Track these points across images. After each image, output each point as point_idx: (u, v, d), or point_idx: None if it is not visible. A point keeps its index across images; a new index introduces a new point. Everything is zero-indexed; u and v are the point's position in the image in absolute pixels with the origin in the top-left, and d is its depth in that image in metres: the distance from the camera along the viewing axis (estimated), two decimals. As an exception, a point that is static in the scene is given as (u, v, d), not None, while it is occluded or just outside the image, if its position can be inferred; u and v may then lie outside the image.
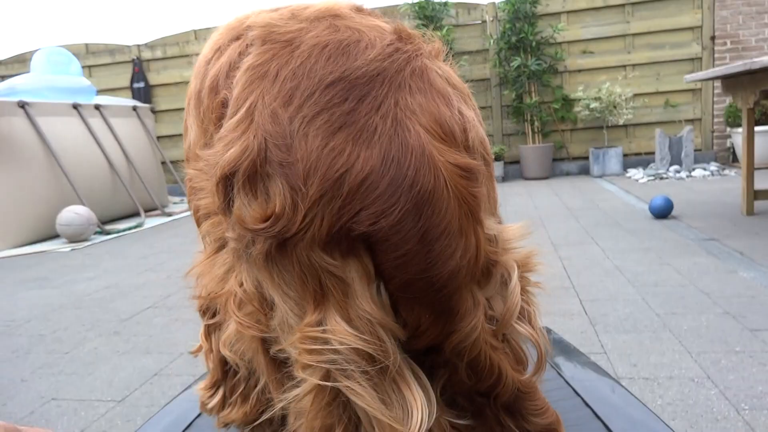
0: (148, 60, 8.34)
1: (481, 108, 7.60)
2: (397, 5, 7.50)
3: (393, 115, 0.42)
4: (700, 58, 7.02)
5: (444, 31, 7.11)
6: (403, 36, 0.48)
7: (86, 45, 8.55)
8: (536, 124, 7.27)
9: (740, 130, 6.40)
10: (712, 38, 7.01)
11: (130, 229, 5.50)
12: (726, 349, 1.92)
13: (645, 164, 7.04)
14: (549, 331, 1.25)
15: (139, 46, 8.37)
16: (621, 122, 6.88)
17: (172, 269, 3.72)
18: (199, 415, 0.87)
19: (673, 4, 7.04)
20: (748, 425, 1.49)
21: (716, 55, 6.97)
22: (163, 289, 3.22)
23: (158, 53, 8.31)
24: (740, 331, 2.05)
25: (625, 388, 0.92)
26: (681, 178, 6.10)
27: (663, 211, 4.05)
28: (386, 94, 0.42)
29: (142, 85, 8.27)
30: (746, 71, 3.59)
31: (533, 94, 7.18)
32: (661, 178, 6.18)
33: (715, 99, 7.09)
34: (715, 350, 1.93)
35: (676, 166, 6.38)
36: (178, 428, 0.84)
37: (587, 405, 0.84)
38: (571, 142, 7.42)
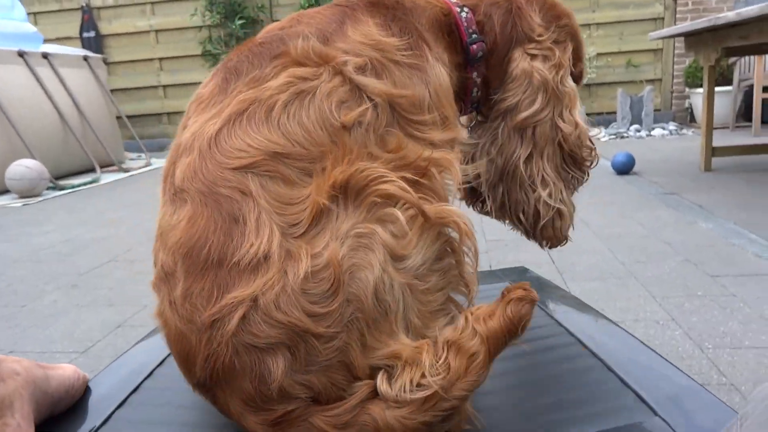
0: (99, 7, 7.90)
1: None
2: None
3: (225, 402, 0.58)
4: (663, 18, 7.08)
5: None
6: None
7: (30, -10, 8.03)
8: (501, 82, 7.25)
9: (699, 90, 6.53)
10: (675, -2, 7.07)
11: (85, 184, 5.29)
12: (688, 294, 1.98)
13: (606, 124, 7.14)
14: (526, 270, 1.26)
15: (88, -8, 7.91)
16: (584, 81, 6.92)
17: (133, 224, 3.60)
18: (161, 363, 0.84)
19: (637, -37, 7.05)
20: (711, 362, 1.54)
21: (678, 16, 7.04)
22: (123, 244, 3.12)
23: (110, 0, 7.88)
24: (701, 277, 2.12)
25: (606, 317, 0.93)
26: (641, 137, 6.22)
27: (625, 167, 4.13)
28: (214, 390, 0.58)
29: (92, 34, 7.85)
30: (709, 28, 3.64)
31: (499, 52, 7.14)
32: (622, 137, 6.29)
33: (675, 60, 7.20)
34: (678, 295, 1.98)
35: (636, 126, 6.49)
36: (139, 376, 0.81)
37: (572, 334, 0.85)
38: (535, 101, 7.44)
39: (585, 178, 0.86)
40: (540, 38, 0.81)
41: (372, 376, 0.55)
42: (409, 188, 0.58)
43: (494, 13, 0.83)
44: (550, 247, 0.86)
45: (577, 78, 0.89)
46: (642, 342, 0.87)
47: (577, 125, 0.81)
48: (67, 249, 3.09)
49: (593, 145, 0.86)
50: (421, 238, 0.57)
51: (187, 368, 0.58)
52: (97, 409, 0.74)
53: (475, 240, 0.63)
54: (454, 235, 0.61)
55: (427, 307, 0.58)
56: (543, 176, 0.80)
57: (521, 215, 0.82)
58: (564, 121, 0.80)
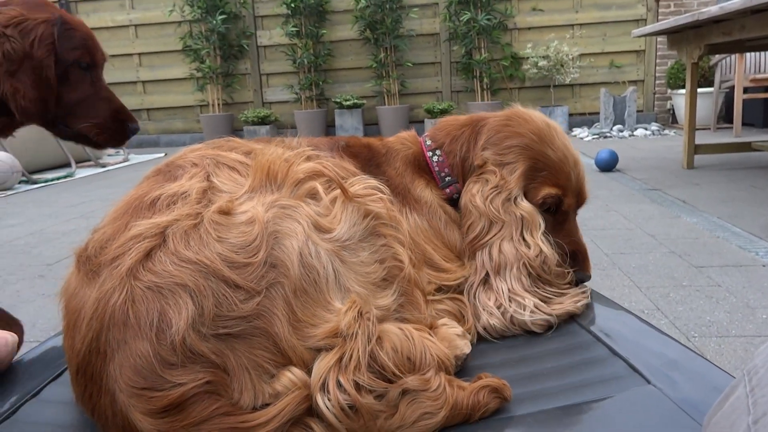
0: (76, 1, 7.75)
1: (430, 64, 7.49)
2: (346, -47, 7.21)
3: (112, 392, 0.48)
4: (645, 20, 7.11)
5: (394, -18, 6.90)
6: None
7: (6, -18, 7.84)
8: (485, 81, 7.23)
9: (681, 91, 6.57)
10: (657, 0, 7.10)
11: (59, 179, 5.15)
12: (674, 284, 1.94)
13: (590, 124, 7.15)
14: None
15: (66, -15, 7.75)
16: (567, 81, 6.92)
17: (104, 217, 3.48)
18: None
19: (620, -35, 7.07)
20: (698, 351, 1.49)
21: (660, 18, 7.07)
22: (94, 235, 3.01)
23: (88, -6, 7.72)
24: (686, 268, 2.08)
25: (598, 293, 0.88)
26: (624, 137, 6.23)
27: (609, 164, 4.10)
28: (101, 368, 0.49)
29: (70, 28, 7.67)
30: (692, 24, 3.63)
31: (483, 51, 7.12)
32: (605, 137, 6.29)
33: (657, 61, 7.23)
34: (663, 285, 1.94)
35: (619, 126, 6.50)
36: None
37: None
38: (519, 101, 7.41)
39: (568, 289, 0.81)
40: (483, 164, 0.81)
41: (309, 364, 0.50)
42: (329, 165, 0.63)
43: (455, 150, 0.86)
44: None
45: (538, 203, 0.81)
46: (631, 313, 0.82)
47: (540, 251, 0.77)
48: (35, 241, 2.98)
49: (566, 268, 0.82)
50: (344, 214, 0.59)
51: (72, 336, 0.51)
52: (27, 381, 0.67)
53: (402, 223, 0.67)
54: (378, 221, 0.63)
55: (367, 278, 0.58)
56: (508, 289, 0.76)
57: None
58: (525, 245, 0.77)
